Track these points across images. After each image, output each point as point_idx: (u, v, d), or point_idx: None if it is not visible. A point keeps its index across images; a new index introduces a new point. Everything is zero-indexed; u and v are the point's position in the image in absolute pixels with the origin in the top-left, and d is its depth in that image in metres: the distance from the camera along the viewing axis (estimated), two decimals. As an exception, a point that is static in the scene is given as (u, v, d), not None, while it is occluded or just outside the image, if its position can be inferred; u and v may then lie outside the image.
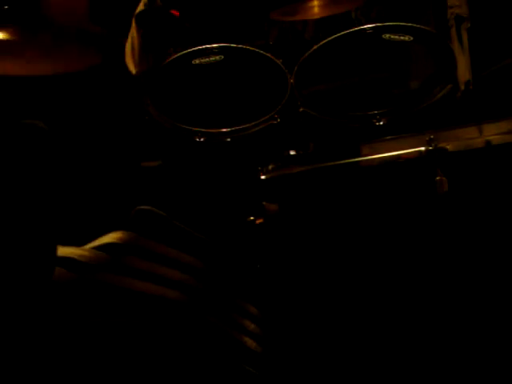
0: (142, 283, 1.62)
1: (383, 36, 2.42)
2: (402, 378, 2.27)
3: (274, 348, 2.01)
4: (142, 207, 1.75)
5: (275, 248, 2.45)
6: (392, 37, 2.42)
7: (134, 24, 2.64)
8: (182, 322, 1.64)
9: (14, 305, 1.35)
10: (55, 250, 1.46)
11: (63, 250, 1.58)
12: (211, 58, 2.47)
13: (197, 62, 2.47)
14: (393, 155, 2.42)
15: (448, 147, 2.39)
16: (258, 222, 2.44)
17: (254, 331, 1.79)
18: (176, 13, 2.56)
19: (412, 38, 2.42)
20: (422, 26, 2.39)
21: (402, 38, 2.42)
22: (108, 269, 1.61)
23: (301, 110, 2.57)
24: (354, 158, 2.46)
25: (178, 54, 2.43)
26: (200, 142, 2.62)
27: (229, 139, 2.63)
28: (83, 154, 2.60)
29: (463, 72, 2.58)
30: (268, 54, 2.46)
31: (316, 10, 2.50)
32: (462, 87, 2.58)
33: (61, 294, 1.52)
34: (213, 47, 2.43)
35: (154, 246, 1.69)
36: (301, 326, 2.36)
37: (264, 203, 2.46)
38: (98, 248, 1.63)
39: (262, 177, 2.50)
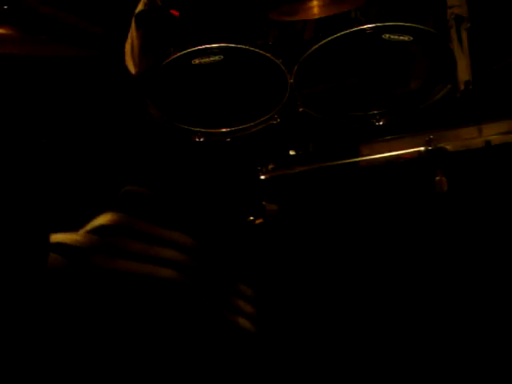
0: (135, 264, 1.63)
1: (383, 36, 2.42)
2: (400, 376, 2.27)
3: (269, 330, 2.01)
4: (130, 187, 1.75)
5: (275, 248, 2.46)
6: (392, 37, 2.42)
7: (133, 24, 2.64)
8: (176, 300, 1.64)
9: (10, 293, 1.35)
10: (48, 238, 1.46)
11: (56, 237, 1.58)
12: (211, 58, 2.46)
13: (197, 62, 2.47)
14: (393, 155, 2.43)
15: (448, 147, 2.40)
16: (257, 221, 2.44)
17: (248, 312, 1.79)
18: (176, 13, 2.56)
19: (412, 38, 2.42)
20: (422, 26, 2.39)
21: (401, 38, 2.42)
22: (101, 252, 1.61)
23: (300, 110, 2.57)
24: (354, 158, 2.46)
25: (178, 54, 2.43)
26: (200, 141, 2.62)
27: (229, 139, 2.63)
28: (83, 154, 2.60)
29: (463, 72, 2.58)
30: (268, 54, 2.46)
31: (316, 10, 2.50)
32: (462, 87, 2.58)
33: (56, 279, 1.52)
34: (213, 47, 2.43)
35: (145, 226, 1.69)
36: (300, 325, 2.37)
37: (264, 203, 2.46)
38: (91, 231, 1.63)
39: (262, 177, 2.51)
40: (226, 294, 1.77)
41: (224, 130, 2.62)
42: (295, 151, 2.61)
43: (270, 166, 2.52)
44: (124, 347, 1.54)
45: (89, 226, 1.65)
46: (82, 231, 1.63)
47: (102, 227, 1.64)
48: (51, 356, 1.46)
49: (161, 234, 1.70)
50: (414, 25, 2.38)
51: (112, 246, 1.63)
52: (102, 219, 1.66)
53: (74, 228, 1.67)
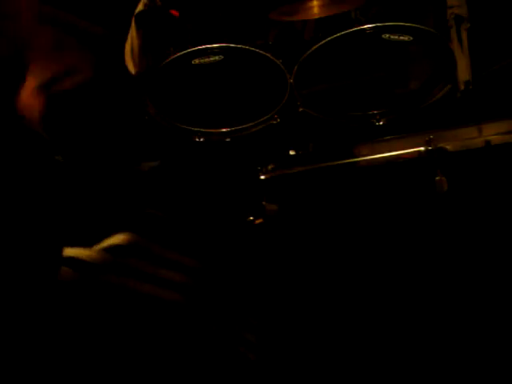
0: (144, 285, 1.64)
1: (383, 36, 2.42)
2: (401, 378, 2.27)
3: (272, 360, 2.02)
4: (148, 210, 1.77)
5: (275, 248, 2.46)
6: (392, 37, 2.42)
7: (133, 24, 2.64)
8: (180, 322, 1.65)
9: (20, 303, 1.35)
10: (60, 251, 1.47)
11: (71, 251, 1.59)
12: (211, 58, 2.46)
13: (196, 62, 2.47)
14: (393, 155, 2.43)
15: (448, 147, 2.40)
16: (257, 222, 2.44)
17: (251, 341, 1.80)
18: (176, 13, 2.56)
19: (412, 38, 2.42)
20: (422, 26, 2.39)
21: (401, 38, 2.42)
22: (112, 270, 1.62)
23: (300, 109, 2.57)
24: (354, 158, 2.46)
25: (178, 54, 2.43)
26: (200, 141, 2.62)
27: (229, 139, 2.63)
28: (84, 154, 2.60)
29: (463, 72, 2.58)
30: (268, 54, 2.46)
31: (316, 10, 2.50)
32: (462, 87, 2.58)
33: (66, 292, 1.53)
34: (213, 47, 2.43)
35: (157, 249, 1.71)
36: (300, 326, 2.37)
37: (264, 203, 2.46)
38: (105, 249, 1.64)
39: (262, 177, 2.51)
40: (233, 323, 1.78)
41: (224, 130, 2.62)
42: (295, 151, 2.61)
43: (270, 166, 2.52)
44: (127, 362, 1.55)
45: (103, 244, 1.66)
46: (96, 248, 1.64)
47: (116, 247, 1.66)
48: (54, 366, 1.47)
49: (171, 257, 1.71)
50: (414, 25, 2.38)
51: (124, 265, 1.64)
52: (117, 239, 1.67)
53: (86, 244, 1.68)
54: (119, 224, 1.71)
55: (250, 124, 2.60)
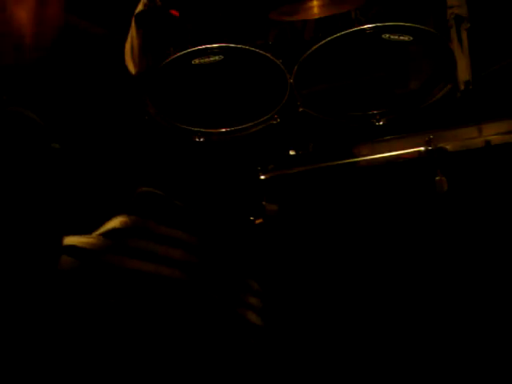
0: (145, 264, 1.64)
1: (383, 36, 2.42)
2: (400, 376, 2.27)
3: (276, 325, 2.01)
4: (143, 189, 1.76)
5: (275, 248, 2.46)
6: (392, 37, 2.42)
7: (133, 24, 2.64)
8: (184, 299, 1.65)
9: (20, 295, 1.35)
10: (61, 241, 1.47)
11: (71, 240, 1.59)
12: (211, 58, 2.46)
13: (197, 62, 2.47)
14: (393, 155, 2.43)
15: (448, 147, 2.40)
16: (257, 221, 2.44)
17: (256, 306, 1.80)
18: (176, 13, 2.56)
19: (412, 38, 2.42)
20: (422, 26, 2.39)
21: (401, 38, 2.42)
22: (114, 252, 1.62)
23: (300, 109, 2.57)
24: (354, 158, 2.46)
25: (178, 54, 2.43)
26: (200, 141, 2.62)
27: (229, 139, 2.63)
28: (83, 155, 2.60)
29: (463, 72, 2.58)
30: (268, 54, 2.46)
31: (315, 10, 2.50)
32: (462, 87, 2.58)
33: (67, 280, 1.53)
34: (213, 47, 2.43)
35: (157, 228, 1.70)
36: (301, 328, 2.36)
37: (264, 203, 2.46)
38: (103, 234, 1.64)
39: (262, 177, 2.50)
40: (235, 289, 1.78)
41: (224, 130, 2.62)
42: (295, 151, 2.61)
43: (270, 166, 2.52)
44: (134, 345, 1.55)
45: (101, 229, 1.66)
46: (94, 234, 1.64)
47: (114, 230, 1.65)
48: (59, 353, 1.47)
49: (171, 234, 1.71)
50: (414, 25, 2.38)
51: (124, 247, 1.64)
52: (115, 222, 1.67)
53: (85, 232, 1.68)
54: (116, 207, 1.71)
55: (250, 124, 2.60)
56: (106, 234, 1.63)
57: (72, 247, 1.58)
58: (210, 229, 1.81)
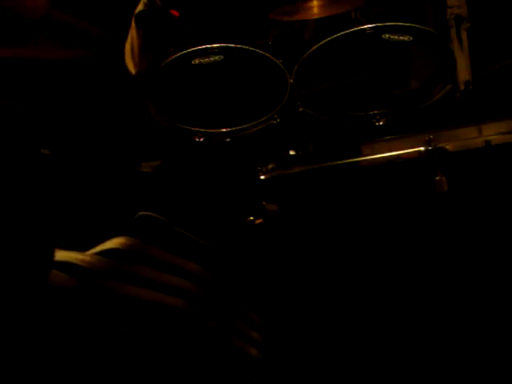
0: (143, 290, 1.62)
1: (383, 36, 2.42)
2: (400, 376, 2.27)
3: (276, 356, 2.01)
4: (144, 213, 1.75)
5: (275, 248, 2.45)
6: (392, 37, 2.42)
7: (133, 24, 2.64)
8: (182, 328, 1.64)
9: (10, 306, 1.34)
10: (52, 252, 1.45)
11: (65, 255, 1.57)
12: (211, 58, 2.47)
13: (197, 62, 2.47)
14: (393, 155, 2.43)
15: (448, 147, 2.40)
16: (257, 222, 2.44)
17: (255, 339, 1.79)
18: (176, 13, 2.56)
19: (412, 38, 2.42)
20: (422, 26, 2.39)
21: (401, 38, 2.42)
22: (109, 275, 1.60)
23: (300, 109, 2.57)
24: (354, 157, 2.46)
25: (178, 54, 2.43)
26: (199, 142, 2.62)
27: (228, 139, 2.63)
28: (83, 154, 2.60)
29: (463, 72, 2.58)
30: (268, 54, 2.46)
31: (316, 10, 2.50)
32: (462, 87, 2.58)
33: (61, 299, 1.51)
34: (213, 47, 2.43)
35: (156, 253, 1.69)
36: (300, 326, 2.36)
37: (264, 203, 2.46)
38: (100, 253, 1.63)
39: (262, 177, 2.50)
40: (235, 320, 1.77)
41: (224, 130, 2.62)
42: (295, 151, 2.61)
43: (270, 166, 2.52)
44: (126, 372, 1.54)
45: (98, 248, 1.64)
46: (90, 252, 1.62)
47: (112, 251, 1.63)
48: (49, 373, 1.46)
49: (172, 262, 1.70)
50: (414, 25, 2.38)
51: (123, 271, 1.62)
52: (113, 243, 1.65)
53: (83, 248, 1.66)
54: (114, 227, 1.70)
55: (250, 124, 2.60)
56: (104, 254, 1.61)
57: (67, 264, 1.55)
58: (212, 259, 1.79)
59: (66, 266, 1.55)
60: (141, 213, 1.74)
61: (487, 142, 2.40)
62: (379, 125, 2.56)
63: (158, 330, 1.59)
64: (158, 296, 1.63)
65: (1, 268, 1.32)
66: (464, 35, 2.57)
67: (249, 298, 1.86)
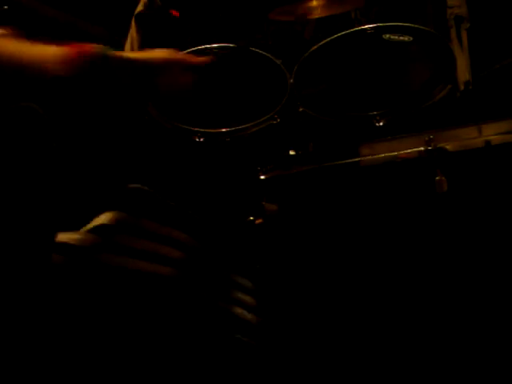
0: (135, 261, 1.63)
1: (383, 36, 2.42)
2: (401, 378, 2.27)
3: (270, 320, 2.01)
4: (132, 185, 1.75)
5: (275, 248, 2.45)
6: (392, 37, 2.43)
7: (133, 24, 2.64)
8: (175, 297, 1.65)
9: (13, 293, 1.35)
10: (53, 238, 1.46)
11: (61, 237, 1.58)
12: (211, 58, 2.47)
13: (197, 62, 2.47)
14: (392, 155, 2.42)
15: (448, 147, 2.40)
16: (257, 222, 2.44)
17: (248, 303, 1.79)
18: (176, 13, 2.56)
19: (412, 39, 2.42)
20: (422, 27, 2.39)
21: (401, 38, 2.43)
22: (104, 249, 1.61)
23: (300, 109, 2.57)
24: (354, 158, 2.46)
25: (178, 54, 2.43)
26: (199, 142, 2.62)
27: (228, 139, 2.63)
28: (82, 152, 2.60)
29: (463, 72, 2.59)
30: (268, 54, 2.46)
31: (315, 10, 2.51)
32: (462, 87, 2.58)
33: (57, 279, 1.52)
34: (213, 47, 2.43)
35: (146, 224, 1.70)
36: (300, 325, 2.36)
37: (263, 203, 2.46)
38: (92, 230, 1.64)
39: (262, 177, 2.50)
40: (226, 287, 1.77)
41: (224, 130, 2.62)
42: (295, 151, 2.61)
43: (270, 166, 2.52)
44: (125, 342, 1.55)
45: (89, 226, 1.65)
46: (82, 230, 1.63)
47: (103, 226, 1.64)
48: (53, 353, 1.47)
49: (162, 232, 1.70)
50: (414, 25, 2.38)
51: (115, 244, 1.63)
52: (103, 218, 1.66)
53: (73, 228, 1.67)
54: (106, 203, 1.70)
55: (250, 124, 2.60)
56: (93, 230, 1.62)
57: (61, 244, 1.57)
58: (202, 227, 1.80)
59: (61, 246, 1.57)
60: (129, 185, 1.75)
61: (487, 142, 2.40)
62: (379, 125, 2.56)
63: (150, 298, 1.61)
64: (150, 266, 1.64)
65: (5, 254, 1.33)
66: (464, 35, 2.57)
67: (240, 267, 1.86)
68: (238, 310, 1.76)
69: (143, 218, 1.69)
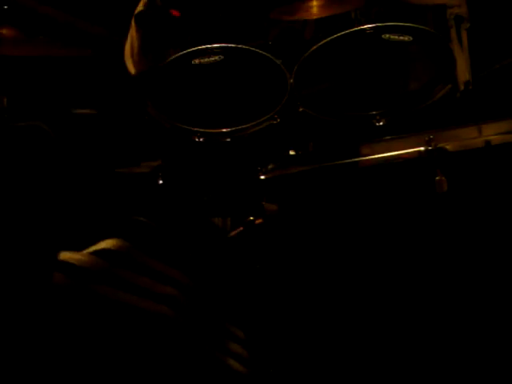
0: (136, 298, 1.63)
1: (383, 36, 2.42)
2: (401, 378, 2.27)
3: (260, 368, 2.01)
4: (137, 218, 1.76)
5: (275, 248, 2.45)
6: (392, 37, 2.43)
7: (133, 24, 2.64)
8: (168, 336, 1.65)
9: (13, 307, 1.35)
10: (56, 255, 1.46)
11: (62, 255, 1.58)
12: (211, 58, 2.47)
13: (197, 62, 2.47)
14: (393, 155, 2.42)
15: (448, 147, 2.40)
16: (257, 222, 2.44)
17: (239, 353, 1.80)
18: (176, 13, 2.56)
19: (412, 38, 2.42)
20: (422, 26, 2.39)
21: (401, 38, 2.43)
22: (102, 279, 1.61)
23: (300, 109, 2.57)
24: (354, 158, 2.46)
25: (178, 54, 2.43)
26: (199, 142, 2.62)
27: (228, 139, 2.63)
28: (82, 155, 2.60)
29: (463, 72, 2.58)
30: (268, 54, 2.46)
31: (316, 10, 2.51)
32: (462, 87, 2.58)
33: (56, 298, 1.53)
34: (213, 47, 2.44)
35: (146, 260, 1.70)
36: (300, 326, 2.36)
37: (263, 203, 2.46)
38: (95, 253, 1.64)
39: (262, 177, 2.50)
40: (219, 335, 1.77)
41: (224, 130, 2.62)
42: (295, 151, 2.61)
43: (270, 166, 2.52)
44: (113, 378, 1.55)
45: (92, 248, 1.65)
46: (85, 252, 1.64)
47: (105, 251, 1.65)
48: (44, 373, 1.47)
49: (160, 269, 1.71)
50: (414, 25, 2.38)
51: (116, 277, 1.64)
52: (107, 244, 1.66)
53: (77, 247, 1.68)
54: (108, 229, 1.71)
55: (250, 124, 2.60)
56: (97, 254, 1.62)
57: (66, 264, 1.57)
58: (201, 270, 1.80)
59: (63, 265, 1.57)
60: (134, 217, 1.75)
61: (487, 142, 2.40)
62: (379, 125, 2.56)
63: (147, 337, 1.61)
64: (145, 303, 1.64)
65: (7, 269, 1.33)
66: (464, 35, 2.57)
67: (233, 312, 1.86)
68: (232, 362, 1.76)
69: (145, 251, 1.70)
